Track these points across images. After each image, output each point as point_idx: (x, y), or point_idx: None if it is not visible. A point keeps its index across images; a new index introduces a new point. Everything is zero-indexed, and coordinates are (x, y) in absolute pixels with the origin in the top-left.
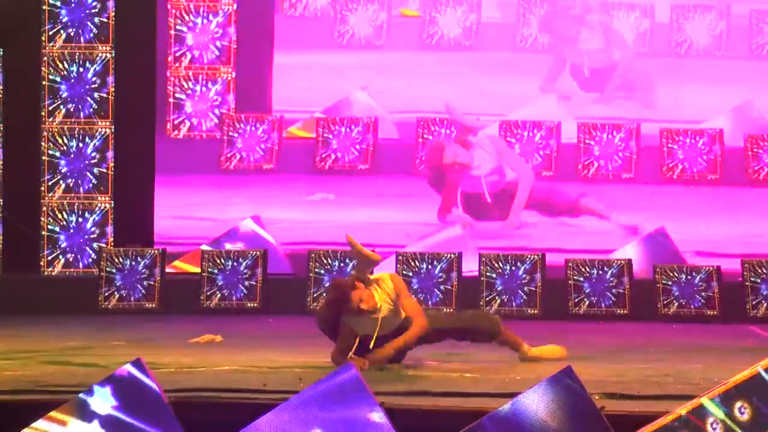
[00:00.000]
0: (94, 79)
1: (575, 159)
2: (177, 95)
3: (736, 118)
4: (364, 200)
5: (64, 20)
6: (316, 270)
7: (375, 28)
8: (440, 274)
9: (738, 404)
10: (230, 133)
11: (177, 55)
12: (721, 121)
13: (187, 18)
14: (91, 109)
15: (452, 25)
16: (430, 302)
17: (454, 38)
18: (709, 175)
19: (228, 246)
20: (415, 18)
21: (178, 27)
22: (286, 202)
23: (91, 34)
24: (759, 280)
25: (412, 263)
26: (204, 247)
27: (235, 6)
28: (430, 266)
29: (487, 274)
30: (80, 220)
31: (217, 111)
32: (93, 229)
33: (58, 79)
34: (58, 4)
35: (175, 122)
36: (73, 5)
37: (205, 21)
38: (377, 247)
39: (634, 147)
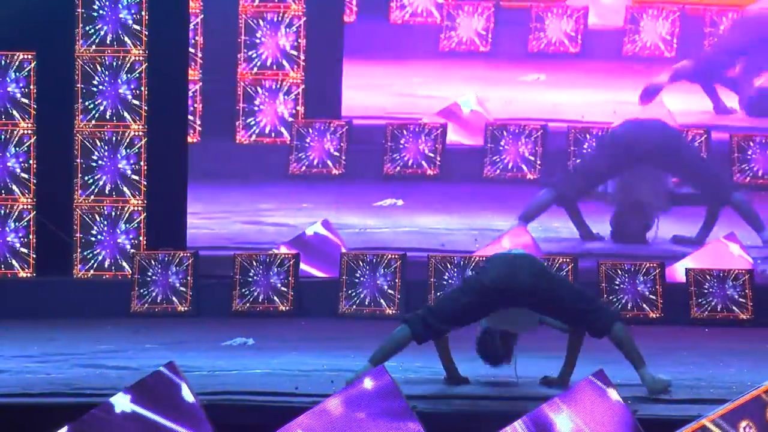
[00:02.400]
0: (126, 82)
1: None
2: (246, 102)
3: None
4: (433, 206)
5: (97, 24)
6: (348, 272)
7: (480, 35)
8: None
9: (743, 424)
10: (299, 139)
11: (246, 61)
12: None
13: (257, 26)
14: (124, 113)
15: (557, 32)
16: None
17: (560, 45)
18: None
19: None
20: None
21: (248, 35)
22: (355, 207)
23: (124, 38)
24: None
25: (448, 265)
26: (284, 249)
27: (304, 13)
28: (456, 269)
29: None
30: (112, 223)
31: (288, 115)
32: (125, 232)
33: (90, 82)
34: (92, 8)
35: (245, 128)
36: (106, 9)
37: (275, 29)
38: (445, 252)
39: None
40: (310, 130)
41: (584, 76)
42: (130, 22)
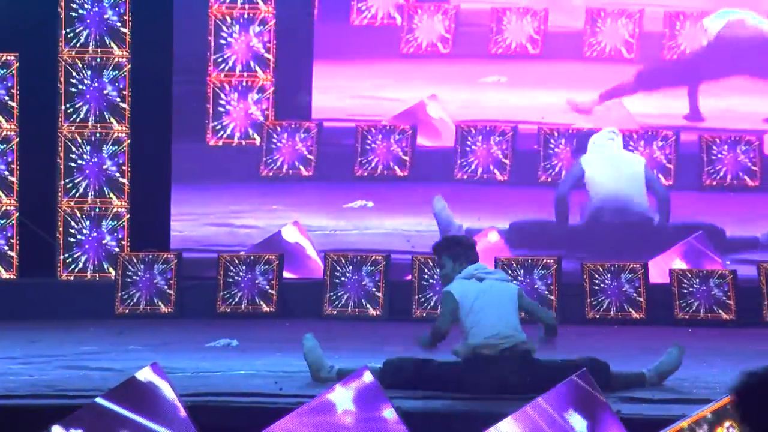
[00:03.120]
0: (110, 84)
1: None
2: (216, 103)
3: None
4: (403, 207)
5: (80, 26)
6: (332, 275)
7: (441, 38)
8: None
9: (726, 424)
10: (270, 141)
11: (216, 63)
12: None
13: (227, 28)
14: (108, 115)
15: (519, 34)
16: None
17: (520, 47)
18: (750, 181)
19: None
20: None
21: (219, 36)
22: (326, 209)
23: (108, 40)
24: None
25: (430, 266)
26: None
27: (273, 15)
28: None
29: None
30: (96, 225)
31: (258, 117)
32: (109, 234)
33: (74, 84)
34: (75, 9)
35: (216, 130)
36: (89, 11)
37: (244, 31)
38: (415, 253)
39: (674, 154)
40: (280, 130)
41: (545, 78)
42: (116, 24)
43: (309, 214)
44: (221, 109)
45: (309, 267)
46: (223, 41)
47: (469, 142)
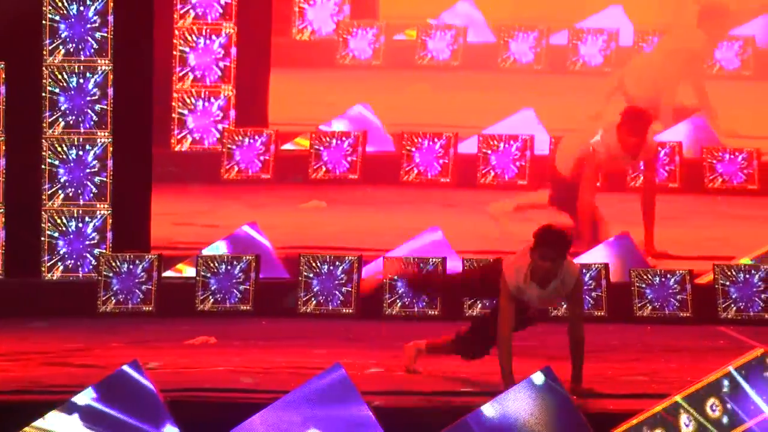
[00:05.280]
0: (93, 91)
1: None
2: (180, 111)
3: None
4: (354, 207)
5: (64, 34)
6: (305, 274)
7: (374, 50)
8: None
9: (710, 402)
10: (230, 146)
11: (181, 74)
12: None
13: (190, 39)
14: (91, 121)
15: (441, 48)
16: (415, 304)
17: (443, 59)
18: (669, 183)
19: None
20: None
21: (182, 48)
22: (282, 209)
23: (91, 48)
24: (728, 283)
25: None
26: (206, 251)
27: (235, 29)
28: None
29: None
30: (79, 226)
31: (218, 125)
32: (92, 235)
33: (58, 91)
34: (59, 18)
35: (179, 136)
36: (73, 20)
37: (207, 42)
38: (365, 251)
39: None
40: (241, 138)
41: (464, 86)
42: (97, 33)
43: (266, 214)
44: (185, 117)
45: (267, 263)
46: (182, 53)
47: (410, 145)
